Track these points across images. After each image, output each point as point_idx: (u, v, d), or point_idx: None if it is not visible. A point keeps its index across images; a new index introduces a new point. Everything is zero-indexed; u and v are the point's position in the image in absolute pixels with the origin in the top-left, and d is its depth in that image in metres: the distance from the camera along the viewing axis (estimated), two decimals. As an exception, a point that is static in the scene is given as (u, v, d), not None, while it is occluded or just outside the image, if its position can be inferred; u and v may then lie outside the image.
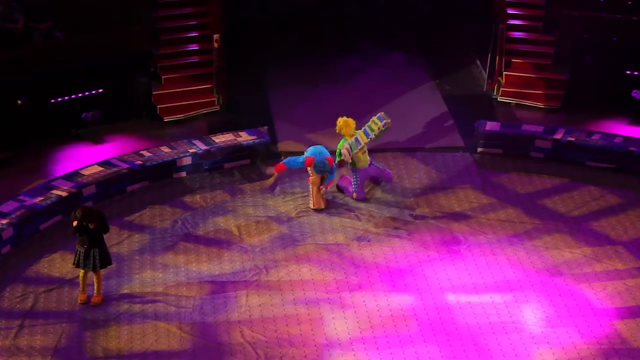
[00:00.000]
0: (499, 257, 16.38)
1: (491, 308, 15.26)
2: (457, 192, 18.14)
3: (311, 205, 17.59)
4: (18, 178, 18.20)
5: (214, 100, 20.84)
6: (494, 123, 19.57)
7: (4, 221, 16.38)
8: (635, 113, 20.35)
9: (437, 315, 15.12)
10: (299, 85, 21.74)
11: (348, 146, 17.44)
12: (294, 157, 17.50)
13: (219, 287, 15.72)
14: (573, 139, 18.91)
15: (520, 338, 14.67)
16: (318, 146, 17.55)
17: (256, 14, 24.24)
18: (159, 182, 18.32)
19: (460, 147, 19.55)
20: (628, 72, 20.62)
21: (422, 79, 22.14)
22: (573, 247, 16.64)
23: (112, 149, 19.33)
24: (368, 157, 17.75)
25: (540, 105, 21.00)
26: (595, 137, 19.01)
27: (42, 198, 17.05)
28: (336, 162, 17.63)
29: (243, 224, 17.26)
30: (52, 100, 19.68)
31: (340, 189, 18.06)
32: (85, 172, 17.83)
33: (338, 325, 14.93)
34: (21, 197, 17.01)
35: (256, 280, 15.88)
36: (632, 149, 18.67)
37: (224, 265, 16.23)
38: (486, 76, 21.74)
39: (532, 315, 15.12)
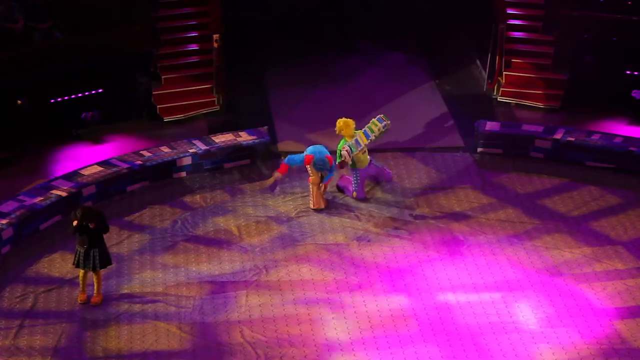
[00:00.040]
0: (499, 257, 16.38)
1: (491, 308, 15.26)
2: (457, 192, 18.14)
3: (311, 205, 17.59)
4: (18, 178, 18.20)
5: (214, 100, 20.84)
6: (494, 123, 19.57)
7: (4, 221, 16.38)
8: (635, 113, 20.35)
9: (437, 315, 15.12)
10: (299, 85, 21.74)
11: (348, 148, 17.43)
12: (293, 156, 17.50)
13: (219, 287, 15.72)
14: (573, 139, 18.91)
15: (520, 338, 14.67)
16: (317, 145, 17.57)
17: (256, 14, 24.25)
18: (159, 182, 18.32)
19: (460, 147, 19.55)
20: (628, 72, 20.63)
21: (422, 79, 22.15)
22: (573, 247, 16.64)
23: (112, 149, 19.33)
24: (368, 157, 17.75)
25: (540, 105, 21.01)
26: (595, 137, 19.01)
27: (42, 198, 17.05)
28: (336, 162, 17.64)
29: (243, 224, 17.26)
30: (52, 100, 19.69)
31: (340, 189, 18.06)
32: (85, 172, 17.83)
33: (338, 325, 14.93)
34: (21, 197, 17.01)
35: (256, 280, 15.88)
36: (632, 149, 18.67)
37: (224, 265, 16.22)
38: (486, 76, 21.74)
39: (532, 315, 15.12)
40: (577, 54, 20.93)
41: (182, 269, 16.14)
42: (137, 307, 15.29)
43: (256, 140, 18.94)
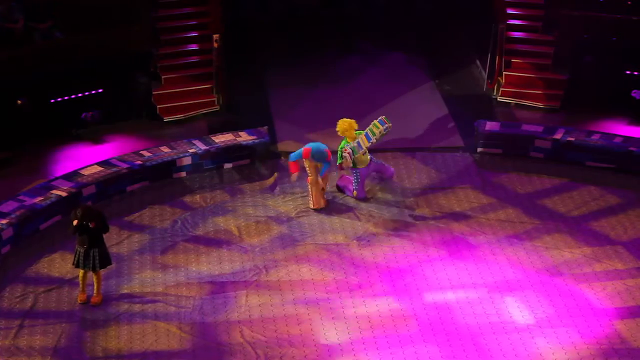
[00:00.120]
0: (498, 257, 16.38)
1: (491, 308, 15.26)
2: (457, 192, 18.14)
3: (311, 205, 17.59)
4: (18, 178, 18.20)
5: (214, 100, 20.85)
6: (494, 123, 19.57)
7: (4, 221, 16.38)
8: (635, 113, 20.35)
9: (437, 315, 15.12)
10: (299, 85, 21.75)
11: (350, 150, 17.42)
12: (293, 153, 17.49)
13: (219, 287, 15.72)
14: (573, 139, 18.91)
15: (520, 338, 14.67)
16: (316, 142, 17.55)
17: (256, 14, 24.26)
18: (158, 182, 18.32)
19: (460, 147, 19.55)
20: (628, 72, 20.63)
21: (422, 79, 22.15)
22: (573, 247, 16.64)
23: (112, 149, 19.33)
24: (369, 156, 17.75)
25: (540, 105, 21.01)
26: (595, 137, 19.01)
27: (41, 198, 17.05)
28: (337, 163, 17.65)
29: (243, 224, 17.26)
30: (52, 100, 19.69)
31: (340, 189, 18.06)
32: (85, 172, 17.83)
33: (338, 325, 14.92)
34: (21, 197, 17.01)
35: (256, 280, 15.88)
36: (632, 149, 18.67)
37: (224, 265, 16.22)
38: (486, 76, 21.74)
39: (532, 315, 15.11)
40: (577, 54, 20.93)
41: (182, 269, 16.14)
42: (137, 307, 15.29)
43: (256, 140, 18.94)
